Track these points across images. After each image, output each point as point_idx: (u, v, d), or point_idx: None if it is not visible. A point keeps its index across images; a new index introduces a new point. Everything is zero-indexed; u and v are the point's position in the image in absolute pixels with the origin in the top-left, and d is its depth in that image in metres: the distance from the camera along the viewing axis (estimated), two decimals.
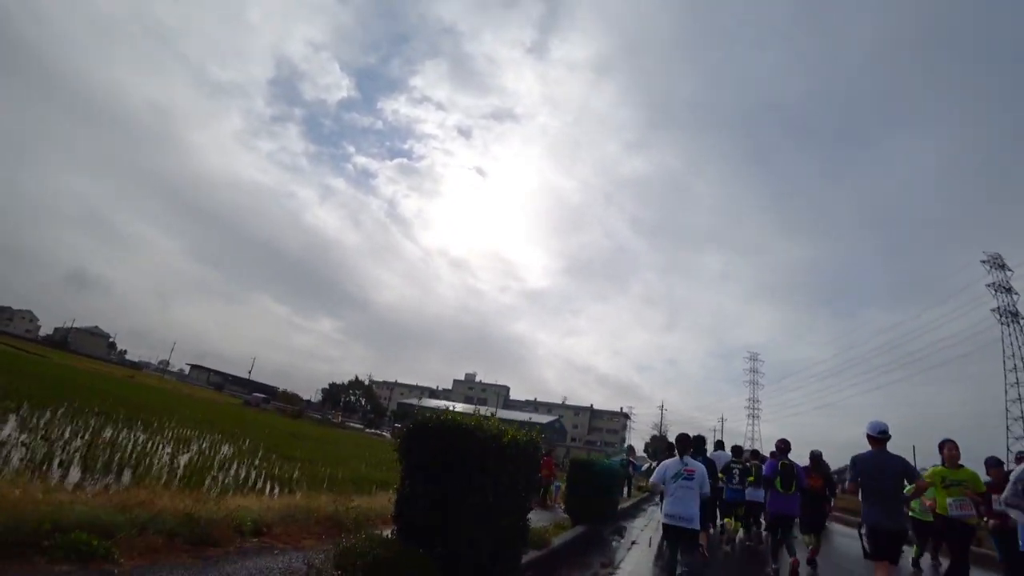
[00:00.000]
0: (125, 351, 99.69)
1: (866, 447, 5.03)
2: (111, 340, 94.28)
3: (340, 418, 54.42)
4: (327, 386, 73.70)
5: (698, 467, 5.24)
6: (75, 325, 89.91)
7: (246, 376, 78.69)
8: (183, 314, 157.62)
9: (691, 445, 5.75)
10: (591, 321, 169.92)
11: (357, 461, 12.68)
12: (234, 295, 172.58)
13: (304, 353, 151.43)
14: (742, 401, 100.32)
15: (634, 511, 14.16)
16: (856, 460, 5.01)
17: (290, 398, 55.86)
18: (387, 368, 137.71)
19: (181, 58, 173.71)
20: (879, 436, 4.94)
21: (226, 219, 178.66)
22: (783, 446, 7.58)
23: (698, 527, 5.07)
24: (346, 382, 72.07)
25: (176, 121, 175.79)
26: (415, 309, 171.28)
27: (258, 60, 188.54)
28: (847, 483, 5.26)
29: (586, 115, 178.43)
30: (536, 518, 5.87)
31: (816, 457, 8.08)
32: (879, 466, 4.83)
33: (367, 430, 42.79)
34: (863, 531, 4.93)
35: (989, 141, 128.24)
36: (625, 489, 14.82)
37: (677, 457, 5.39)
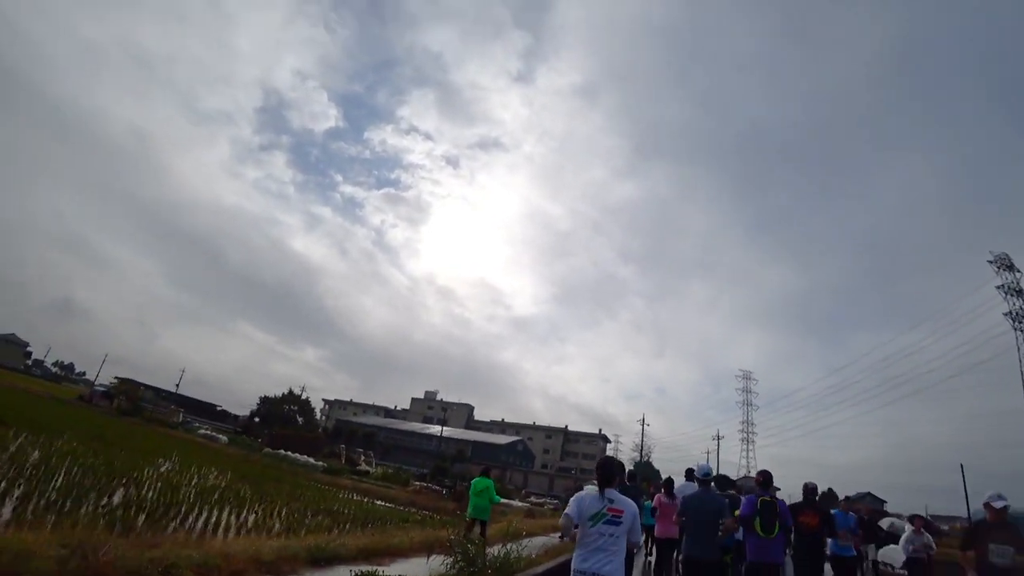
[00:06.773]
0: (72, 367, 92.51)
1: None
2: (28, 349, 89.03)
3: (180, 417, 47.62)
4: (258, 400, 67.75)
5: (628, 506, 3.65)
6: None
7: (173, 390, 71.79)
8: (160, 339, 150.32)
9: (617, 474, 4.00)
10: (579, 348, 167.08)
11: None
12: (214, 321, 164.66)
13: (286, 381, 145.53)
14: (732, 427, 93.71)
15: None
16: (685, 498, 6.03)
17: (131, 392, 47.37)
18: (372, 398, 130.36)
19: (167, 84, 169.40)
20: (703, 477, 6.06)
21: (208, 244, 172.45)
22: (762, 478, 6.72)
23: None
24: (279, 395, 66.11)
25: (160, 147, 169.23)
26: (401, 338, 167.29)
27: (246, 88, 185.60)
28: (675, 517, 6.26)
29: (573, 142, 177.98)
30: None
31: (811, 490, 7.16)
32: (701, 504, 5.70)
33: (201, 431, 37.54)
34: (679, 559, 6.03)
35: (979, 159, 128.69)
36: None
37: (596, 491, 3.68)
